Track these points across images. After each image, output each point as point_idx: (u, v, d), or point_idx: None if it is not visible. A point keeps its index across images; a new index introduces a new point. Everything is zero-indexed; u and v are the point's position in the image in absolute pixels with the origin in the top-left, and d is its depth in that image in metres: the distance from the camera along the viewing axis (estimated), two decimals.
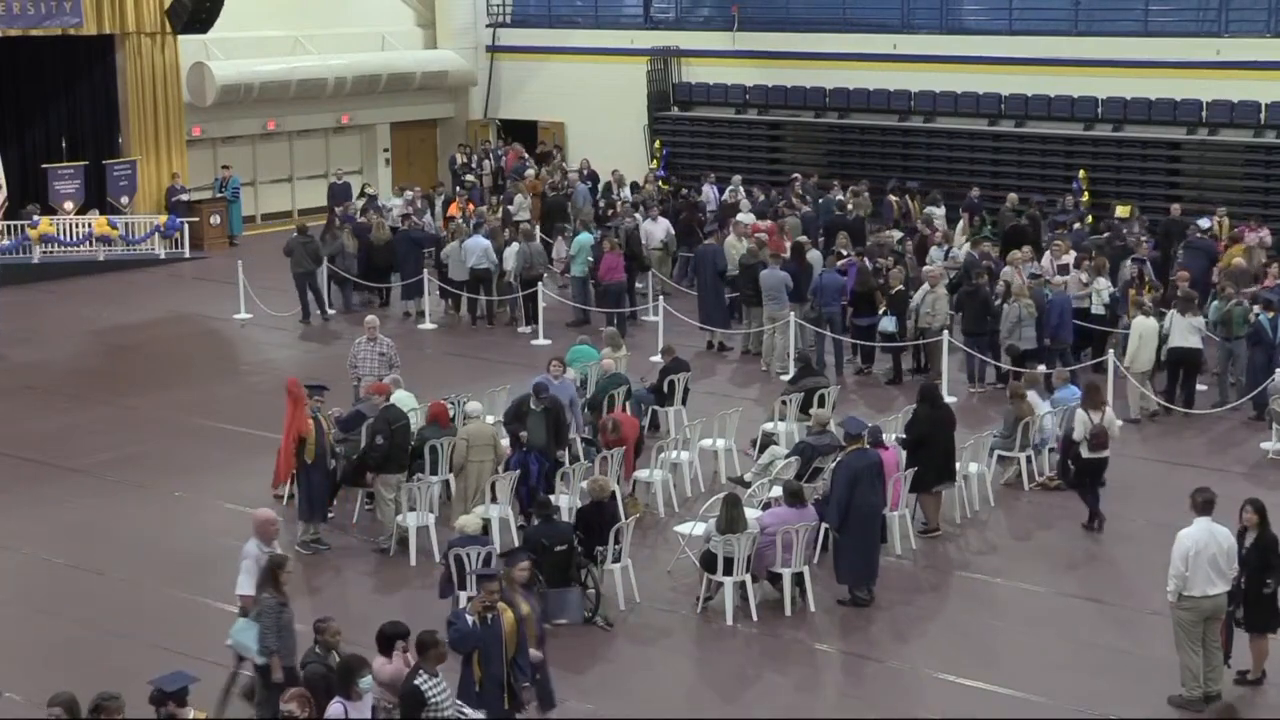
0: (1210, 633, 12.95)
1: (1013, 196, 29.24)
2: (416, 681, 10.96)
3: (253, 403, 22.46)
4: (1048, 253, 24.58)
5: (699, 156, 36.60)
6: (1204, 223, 26.98)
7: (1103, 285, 22.84)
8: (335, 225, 28.90)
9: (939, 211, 28.86)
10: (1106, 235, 26.10)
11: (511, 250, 26.85)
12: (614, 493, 16.08)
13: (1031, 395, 18.86)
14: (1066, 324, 22.07)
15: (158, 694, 10.38)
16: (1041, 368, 21.19)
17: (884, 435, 16.47)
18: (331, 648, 11.37)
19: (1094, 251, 24.17)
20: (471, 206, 30.26)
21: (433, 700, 10.94)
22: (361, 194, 33.51)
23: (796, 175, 31.85)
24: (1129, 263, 23.93)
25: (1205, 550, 12.74)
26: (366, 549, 16.84)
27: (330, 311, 27.50)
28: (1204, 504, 12.98)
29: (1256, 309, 21.42)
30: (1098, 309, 22.80)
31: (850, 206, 29.31)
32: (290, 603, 12.40)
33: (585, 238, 27.09)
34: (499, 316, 27.14)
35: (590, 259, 26.44)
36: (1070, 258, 24.26)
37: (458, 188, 34.50)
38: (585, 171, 35.04)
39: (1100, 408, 17.38)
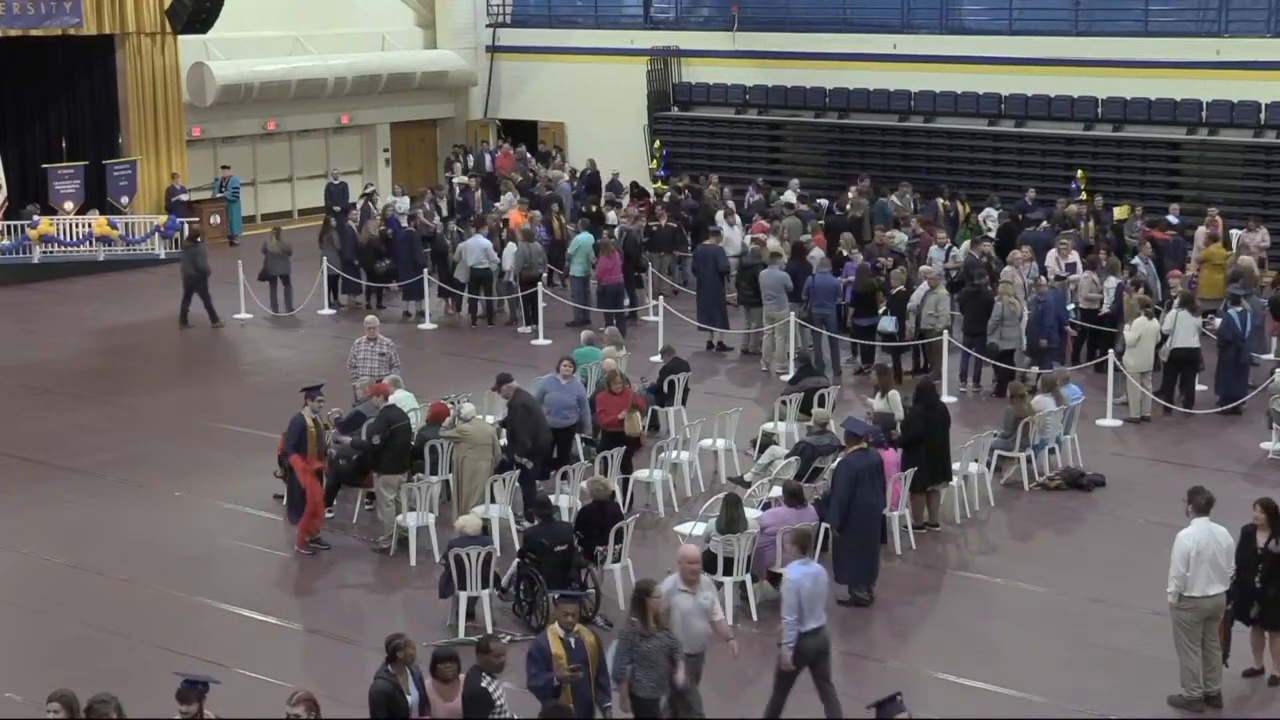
0: (1210, 633, 12.94)
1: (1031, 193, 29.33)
2: (483, 684, 10.87)
3: (253, 403, 22.47)
4: (1053, 251, 24.60)
5: (699, 156, 36.60)
6: (1172, 219, 27.07)
7: (1112, 284, 22.87)
8: (332, 226, 28.94)
9: (994, 213, 28.79)
10: (1071, 231, 26.19)
11: (509, 250, 26.87)
12: (614, 492, 16.08)
13: (1040, 398, 18.84)
14: (1057, 324, 22.04)
15: (197, 686, 10.28)
16: (1034, 368, 21.25)
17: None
18: (407, 664, 11.09)
19: (1106, 251, 24.18)
20: (530, 214, 29.81)
21: (499, 703, 10.88)
22: (363, 195, 33.45)
23: (863, 175, 31.75)
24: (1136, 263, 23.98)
25: (1205, 551, 12.73)
26: (366, 549, 16.85)
27: (214, 321, 27.40)
28: (1204, 505, 12.97)
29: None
30: (1108, 309, 22.81)
31: (850, 207, 29.29)
32: (657, 636, 11.65)
33: (585, 238, 27.10)
34: (499, 316, 27.16)
35: (593, 258, 26.49)
36: (1076, 257, 24.29)
37: (449, 191, 34.45)
38: (589, 171, 35.05)
39: (889, 390, 18.16)
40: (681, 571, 12.24)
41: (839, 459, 15.50)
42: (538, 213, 29.58)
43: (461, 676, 11.17)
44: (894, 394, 18.34)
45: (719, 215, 29.16)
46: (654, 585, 11.76)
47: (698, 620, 12.24)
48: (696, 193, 31.94)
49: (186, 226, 32.52)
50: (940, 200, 29.42)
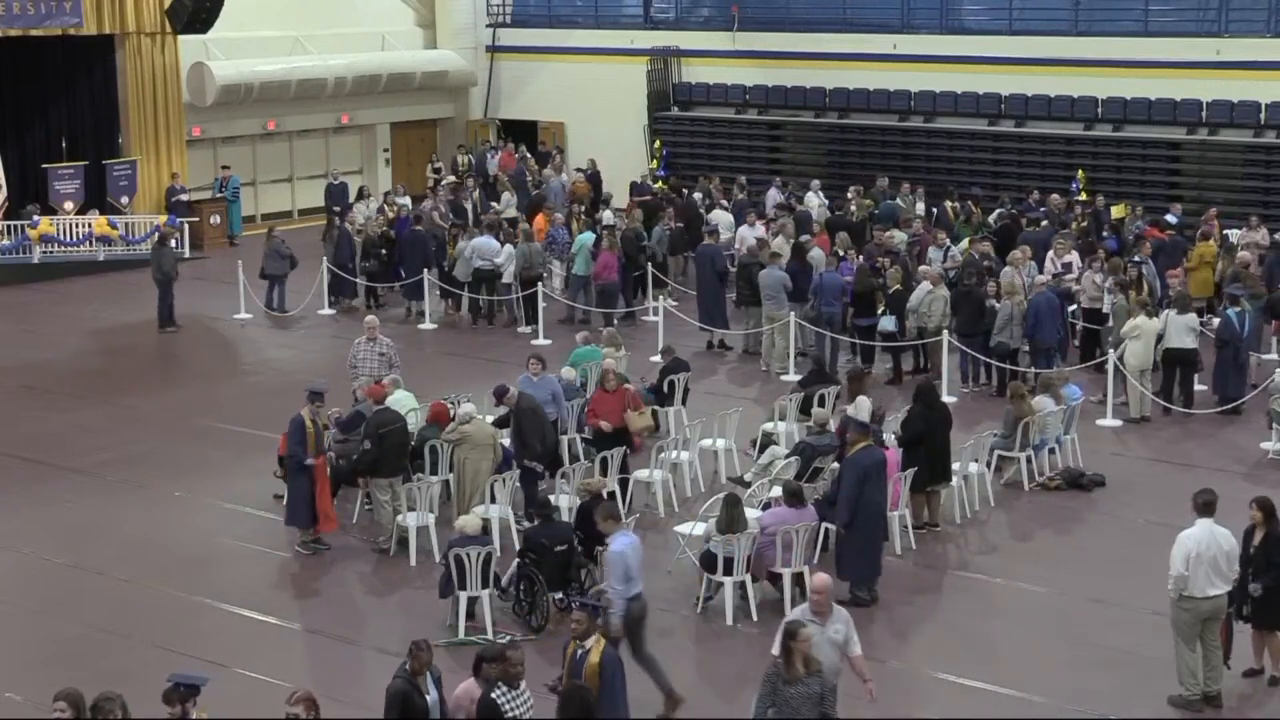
0: (1210, 633, 12.94)
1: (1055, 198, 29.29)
2: (493, 695, 10.67)
3: (253, 403, 22.46)
4: (1050, 252, 24.62)
5: (699, 156, 36.61)
6: (1171, 218, 27.11)
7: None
8: (334, 226, 28.93)
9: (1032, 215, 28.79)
10: (1067, 231, 26.27)
11: (505, 251, 26.81)
12: (610, 491, 16.05)
13: (1040, 398, 18.84)
14: (1044, 325, 22.02)
15: (183, 689, 10.29)
16: (1031, 369, 21.25)
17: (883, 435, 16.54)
18: (419, 671, 11.02)
19: (1105, 254, 24.21)
20: (553, 216, 29.66)
21: (511, 716, 10.70)
22: (360, 195, 33.27)
23: (883, 176, 31.70)
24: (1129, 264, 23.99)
25: (1206, 552, 12.70)
26: (366, 549, 16.85)
27: (175, 326, 27.16)
28: (1204, 505, 12.95)
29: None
30: (1109, 309, 22.83)
31: (853, 208, 29.27)
32: (803, 684, 10.71)
33: (587, 236, 27.11)
34: (499, 317, 27.15)
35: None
36: (1073, 257, 24.31)
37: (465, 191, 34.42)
38: (590, 171, 35.03)
39: (856, 397, 17.82)
40: (810, 601, 11.71)
41: (847, 456, 15.40)
42: (560, 215, 29.49)
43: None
44: (862, 399, 18.24)
45: (714, 214, 29.22)
46: (801, 627, 10.99)
47: (825, 652, 11.41)
48: (726, 193, 31.94)
49: (184, 224, 32.67)
50: (948, 203, 29.34)
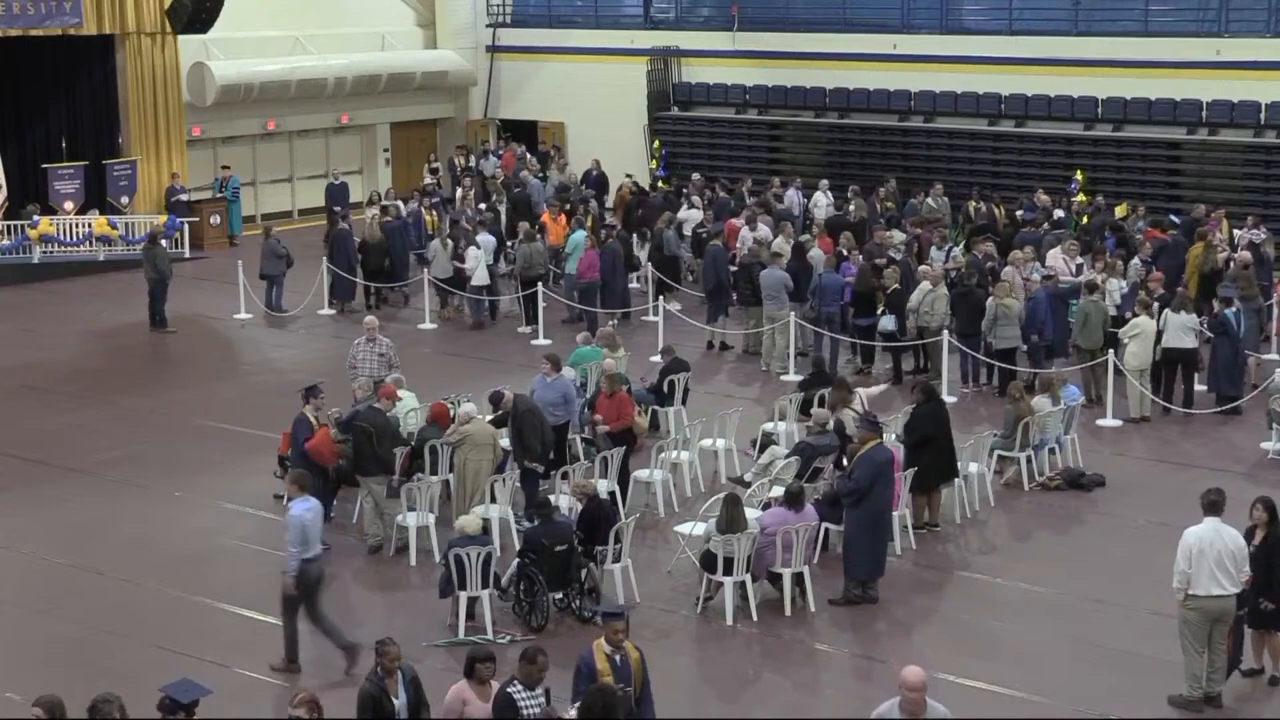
0: (1217, 634, 12.89)
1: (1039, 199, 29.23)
2: (509, 690, 10.72)
3: (253, 403, 22.46)
4: (1056, 251, 24.60)
5: (699, 156, 36.60)
6: (1174, 219, 27.09)
7: (1115, 286, 22.87)
8: (335, 226, 28.91)
9: (1026, 216, 28.83)
10: (1063, 230, 26.27)
11: (471, 253, 26.70)
12: (605, 496, 16.05)
13: (1039, 398, 18.85)
14: (1047, 322, 22.04)
15: (170, 703, 10.29)
16: (1031, 370, 21.28)
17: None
18: (390, 672, 11.07)
19: (1107, 254, 24.22)
20: (564, 219, 29.67)
21: (527, 715, 10.69)
22: (370, 200, 33.21)
23: (890, 179, 31.70)
24: (1136, 263, 24.00)
25: (1210, 550, 12.65)
26: (366, 549, 16.84)
27: (168, 328, 27.14)
28: (1210, 504, 12.88)
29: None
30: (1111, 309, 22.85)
31: (853, 208, 29.26)
32: None
33: (579, 236, 27.09)
34: (455, 318, 27.24)
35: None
36: (1083, 257, 24.33)
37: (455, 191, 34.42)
38: (594, 173, 35.00)
39: (847, 405, 17.68)
40: (902, 698, 10.55)
41: (861, 453, 15.35)
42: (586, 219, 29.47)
43: (495, 682, 11.05)
44: (861, 396, 18.31)
45: (682, 213, 29.22)
46: None
47: None
48: (702, 191, 31.90)
49: (184, 224, 32.67)
50: (971, 204, 29.27)
